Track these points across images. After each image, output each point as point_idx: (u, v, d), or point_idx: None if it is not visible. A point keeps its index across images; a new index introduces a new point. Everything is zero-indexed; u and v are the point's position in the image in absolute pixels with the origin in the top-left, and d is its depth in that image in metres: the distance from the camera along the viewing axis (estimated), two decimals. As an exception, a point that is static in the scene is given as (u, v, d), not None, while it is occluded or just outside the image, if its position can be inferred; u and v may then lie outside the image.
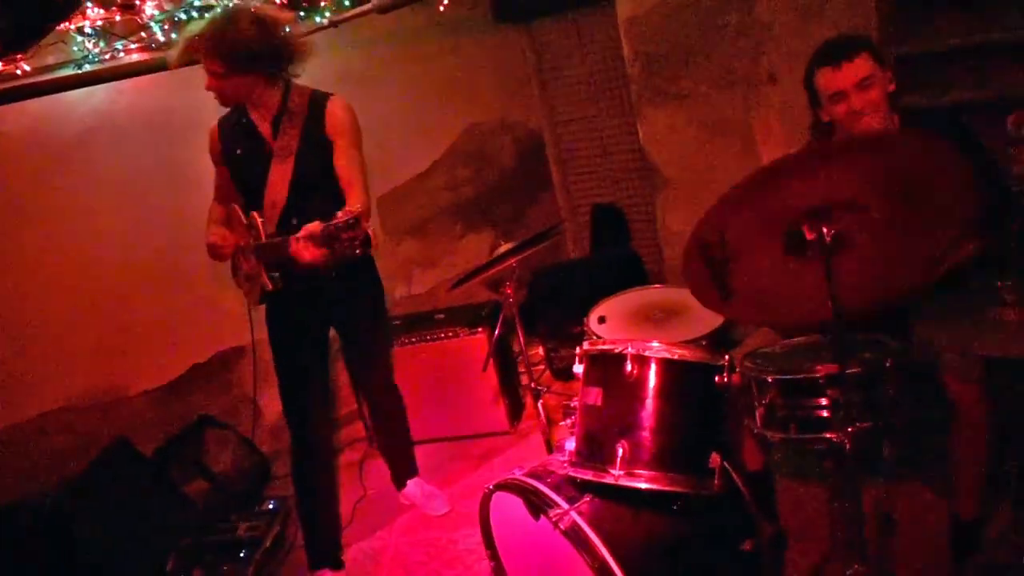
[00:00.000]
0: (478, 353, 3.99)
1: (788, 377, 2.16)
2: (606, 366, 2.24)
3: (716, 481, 2.15)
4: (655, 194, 4.76)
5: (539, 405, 3.08)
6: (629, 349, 2.18)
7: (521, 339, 3.11)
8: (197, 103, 3.85)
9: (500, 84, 5.29)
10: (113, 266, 3.87)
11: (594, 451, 2.19)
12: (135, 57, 3.69)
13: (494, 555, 2.75)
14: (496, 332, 3.35)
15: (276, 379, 3.16)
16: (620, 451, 2.11)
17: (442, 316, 4.22)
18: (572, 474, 2.26)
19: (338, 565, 3.22)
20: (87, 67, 3.56)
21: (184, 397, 4.09)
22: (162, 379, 4.03)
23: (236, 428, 4.14)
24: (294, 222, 2.83)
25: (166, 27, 3.34)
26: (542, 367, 4.70)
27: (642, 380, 2.17)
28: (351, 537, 3.53)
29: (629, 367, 2.17)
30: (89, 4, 3.20)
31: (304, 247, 2.54)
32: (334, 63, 4.33)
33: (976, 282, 2.23)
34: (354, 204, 2.80)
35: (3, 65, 3.22)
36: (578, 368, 2.37)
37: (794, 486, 2.99)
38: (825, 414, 2.11)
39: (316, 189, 2.92)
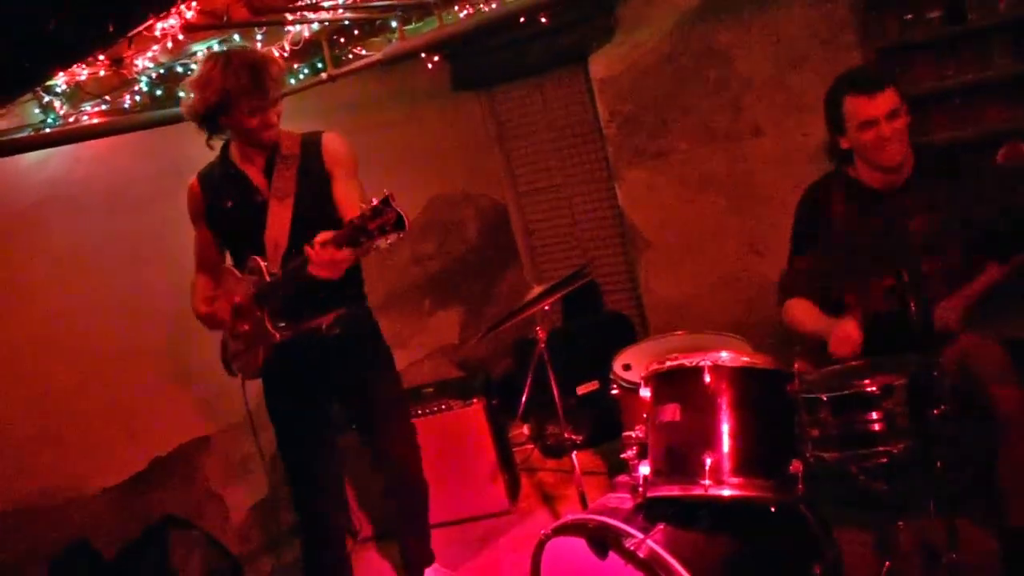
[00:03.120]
0: (474, 426, 4.16)
1: (841, 393, 2.45)
2: (682, 381, 2.49)
3: (800, 486, 2.38)
4: (636, 258, 5.11)
5: (573, 457, 3.27)
6: (705, 361, 2.44)
7: (553, 382, 3.30)
8: (159, 171, 4.07)
9: (462, 154, 5.64)
10: (68, 349, 3.89)
11: (677, 466, 2.41)
12: (96, 120, 3.84)
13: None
14: (528, 381, 3.52)
15: (282, 462, 3.25)
16: (708, 461, 2.34)
17: (431, 389, 4.37)
18: (651, 495, 2.46)
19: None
20: (46, 130, 3.69)
21: (146, 494, 4.08)
22: (122, 474, 4.03)
23: (203, 528, 4.15)
24: (286, 260, 2.98)
25: (155, 80, 3.51)
26: (529, 447, 4.88)
27: (720, 390, 2.42)
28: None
29: (707, 378, 2.43)
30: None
31: (324, 254, 2.62)
32: (297, 128, 4.59)
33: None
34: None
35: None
36: (645, 392, 2.60)
37: (836, 530, 3.24)
38: (878, 428, 2.39)
39: (319, 227, 2.92)
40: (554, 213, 5.79)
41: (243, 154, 3.09)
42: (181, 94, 3.10)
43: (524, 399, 3.61)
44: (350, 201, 3.03)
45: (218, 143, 3.14)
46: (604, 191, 5.41)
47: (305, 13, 3.09)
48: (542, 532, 2.76)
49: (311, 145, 3.12)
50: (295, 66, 4.13)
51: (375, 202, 2.54)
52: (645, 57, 4.73)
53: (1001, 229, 2.89)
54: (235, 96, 2.85)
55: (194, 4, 2.71)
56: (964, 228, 2.90)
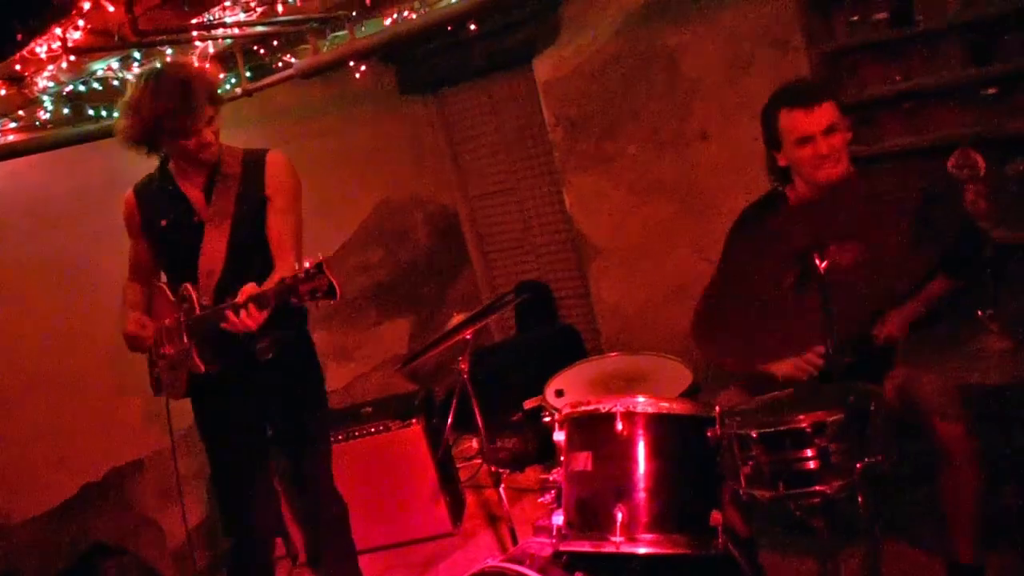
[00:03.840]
0: (413, 447, 4.03)
1: (772, 431, 2.31)
2: (594, 428, 2.34)
3: (719, 539, 2.25)
4: (586, 265, 4.97)
5: (500, 490, 3.15)
6: (617, 407, 2.29)
7: (479, 417, 3.19)
8: (82, 186, 3.91)
9: (410, 158, 5.48)
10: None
11: (589, 519, 2.27)
12: (11, 138, 3.69)
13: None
14: (451, 413, 3.40)
15: (211, 480, 3.19)
16: (619, 516, 2.20)
17: (369, 409, 4.23)
18: (564, 549, 2.32)
19: None
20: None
21: (76, 521, 3.95)
22: (50, 502, 3.89)
23: (137, 554, 4.01)
24: (219, 291, 2.84)
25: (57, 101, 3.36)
26: (478, 462, 4.75)
27: (634, 438, 2.27)
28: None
29: (619, 426, 2.28)
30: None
31: (245, 314, 2.54)
32: (232, 138, 4.41)
33: (956, 317, 2.48)
34: (284, 271, 2.79)
35: None
36: (559, 436, 2.46)
37: (779, 557, 3.12)
38: (812, 465, 2.25)
39: (256, 253, 2.93)
40: (506, 218, 5.65)
41: (182, 171, 2.95)
42: (115, 113, 2.96)
43: (448, 425, 3.47)
44: (283, 238, 2.92)
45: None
46: (556, 195, 5.27)
47: (202, 32, 2.91)
48: (461, 577, 2.63)
49: (253, 165, 2.97)
50: (221, 76, 3.94)
51: (308, 265, 2.45)
52: (591, 59, 4.58)
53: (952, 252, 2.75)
54: (167, 121, 2.71)
55: (80, 25, 2.53)
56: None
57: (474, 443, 4.83)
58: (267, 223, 2.93)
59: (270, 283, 2.71)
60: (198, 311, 2.81)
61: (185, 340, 2.84)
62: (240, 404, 3.04)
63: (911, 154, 3.72)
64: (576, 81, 4.66)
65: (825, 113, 2.68)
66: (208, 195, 2.92)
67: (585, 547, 2.27)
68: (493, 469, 3.15)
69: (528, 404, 4.42)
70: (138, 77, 2.79)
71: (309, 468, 3.24)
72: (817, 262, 2.10)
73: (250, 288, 2.61)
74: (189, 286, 2.85)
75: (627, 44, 4.44)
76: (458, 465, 4.58)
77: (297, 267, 2.49)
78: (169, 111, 2.70)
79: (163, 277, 3.11)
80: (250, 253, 2.92)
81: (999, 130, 3.52)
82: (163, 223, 2.94)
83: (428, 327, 5.42)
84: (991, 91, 3.55)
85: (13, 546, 3.77)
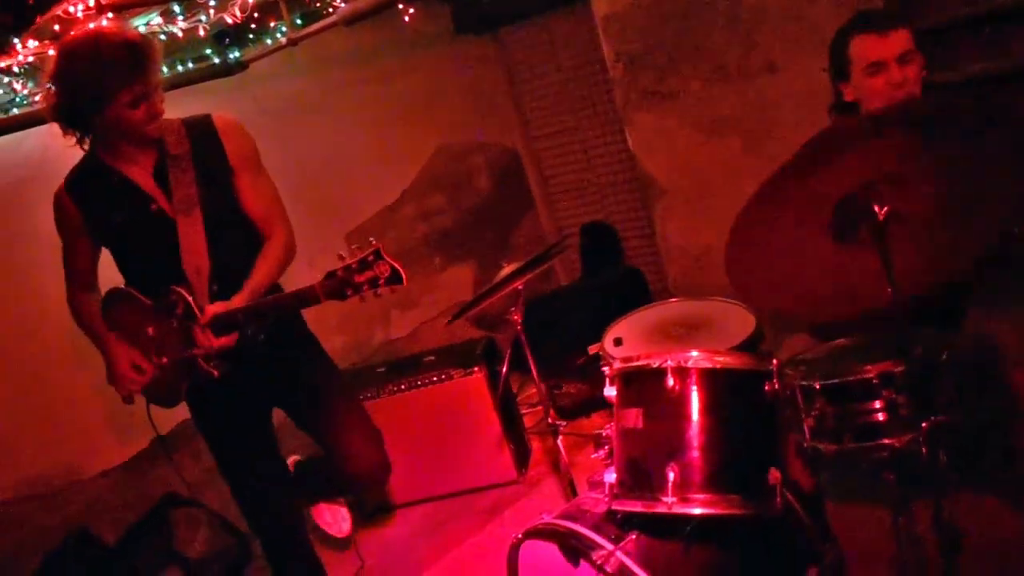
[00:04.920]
0: (476, 395, 4.00)
1: (838, 381, 2.20)
2: (644, 384, 2.24)
3: (777, 499, 2.14)
4: (651, 205, 4.82)
5: (559, 442, 3.08)
6: (668, 362, 2.17)
7: (534, 369, 3.11)
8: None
9: (469, 100, 5.37)
10: (61, 329, 3.79)
11: (640, 479, 2.18)
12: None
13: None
14: (506, 364, 3.34)
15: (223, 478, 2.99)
16: (671, 475, 2.10)
17: (432, 358, 4.20)
18: (616, 508, 2.24)
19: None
20: (15, 111, 3.55)
21: (147, 474, 4.01)
22: (121, 456, 3.96)
23: (208, 505, 4.07)
24: (214, 288, 2.65)
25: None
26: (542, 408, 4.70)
27: (686, 395, 2.16)
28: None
29: (671, 382, 2.17)
30: (16, 41, 3.15)
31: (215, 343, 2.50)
32: (284, 90, 4.36)
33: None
34: (282, 238, 2.75)
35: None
36: (610, 391, 2.37)
37: (848, 508, 3.01)
38: (881, 418, 2.15)
39: (237, 231, 2.73)
40: (569, 159, 5.52)
41: (120, 154, 2.61)
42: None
43: (503, 373, 3.40)
44: (268, 206, 2.74)
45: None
46: (619, 134, 5.12)
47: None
48: (513, 536, 2.57)
49: (203, 136, 2.67)
50: (271, 24, 3.85)
51: (361, 254, 2.36)
52: (650, -11, 4.37)
53: None
54: (112, 86, 2.40)
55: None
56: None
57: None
58: (241, 196, 2.71)
59: (257, 280, 2.64)
60: (200, 315, 2.55)
61: (186, 351, 2.62)
62: (240, 394, 2.82)
63: (992, 80, 3.47)
64: (635, 14, 4.46)
65: (900, 39, 2.53)
66: (162, 182, 2.62)
67: (637, 507, 2.18)
68: (551, 420, 3.07)
69: (592, 349, 4.35)
70: (65, 44, 2.47)
71: (342, 438, 2.97)
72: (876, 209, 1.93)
73: (217, 308, 2.50)
74: (181, 290, 2.58)
75: (688, -28, 4.22)
76: (523, 412, 4.54)
77: (346, 256, 2.37)
78: (115, 75, 2.39)
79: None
80: (231, 234, 2.70)
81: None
82: (116, 218, 2.63)
83: (493, 272, 5.35)
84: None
85: (87, 500, 3.85)
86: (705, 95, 4.38)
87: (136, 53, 2.40)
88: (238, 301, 2.57)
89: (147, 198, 2.61)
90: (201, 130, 2.67)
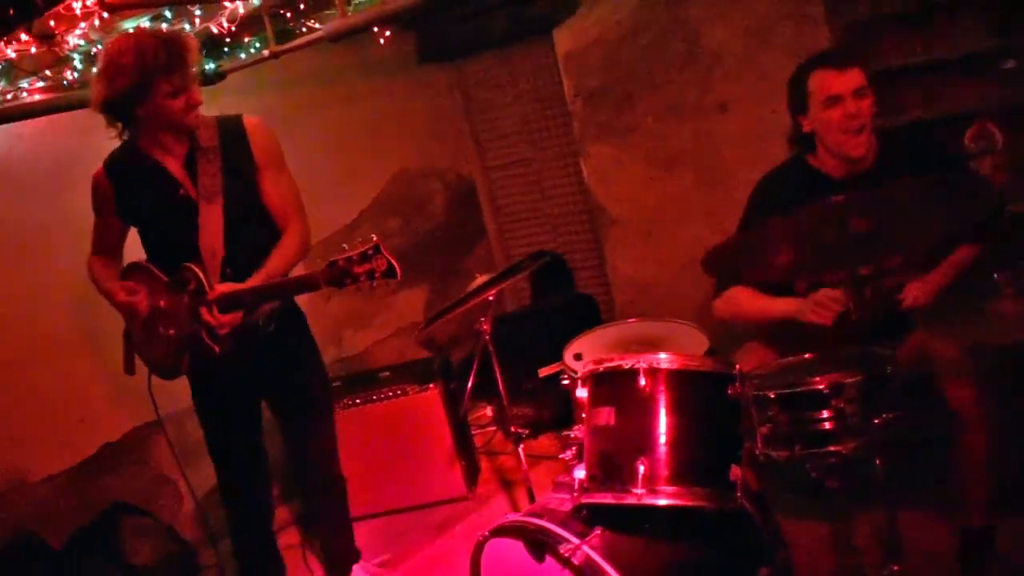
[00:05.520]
0: (430, 412, 4.07)
1: (791, 391, 2.33)
2: (617, 384, 2.35)
3: (738, 494, 2.26)
4: (602, 235, 4.98)
5: (519, 450, 3.17)
6: (641, 363, 2.30)
7: (499, 378, 3.20)
8: (108, 148, 3.91)
9: (429, 127, 5.49)
10: (12, 333, 3.77)
11: (611, 472, 2.28)
12: (37, 97, 3.69)
13: (486, 615, 2.78)
14: (472, 374, 3.41)
15: (209, 456, 3.13)
16: (641, 469, 2.21)
17: (388, 374, 4.27)
18: (586, 501, 2.34)
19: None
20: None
21: (95, 481, 3.96)
22: (69, 461, 3.91)
23: (156, 515, 4.04)
24: (228, 271, 2.84)
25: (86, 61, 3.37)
26: (492, 429, 4.78)
27: (656, 394, 2.28)
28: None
29: (642, 381, 2.29)
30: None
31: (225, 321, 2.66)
32: (254, 105, 4.41)
33: (972, 281, 2.49)
34: (299, 232, 2.96)
35: None
36: (581, 392, 2.47)
37: (793, 519, 3.14)
38: (829, 426, 2.27)
39: (255, 224, 2.93)
40: (523, 188, 5.65)
41: (158, 143, 2.85)
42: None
43: (469, 387, 3.47)
44: (288, 202, 2.96)
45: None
46: (573, 167, 5.27)
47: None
48: (479, 535, 2.65)
49: (232, 133, 2.91)
50: (245, 40, 3.94)
51: (362, 247, 2.55)
52: (612, 30, 4.57)
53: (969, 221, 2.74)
54: (154, 78, 2.62)
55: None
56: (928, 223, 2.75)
57: (488, 411, 4.87)
58: (264, 192, 2.93)
59: (271, 267, 2.83)
60: (209, 292, 2.76)
61: (194, 326, 2.80)
62: (239, 378, 3.02)
63: (930, 126, 3.71)
64: (596, 52, 4.65)
65: (855, 75, 2.73)
66: (191, 170, 2.85)
67: (607, 499, 2.28)
68: (514, 429, 3.16)
69: (544, 372, 4.46)
70: (112, 43, 2.70)
71: (312, 440, 3.25)
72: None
73: (225, 288, 2.69)
74: (195, 268, 2.80)
75: (648, 15, 4.43)
76: (473, 432, 4.61)
77: (348, 248, 2.55)
78: (156, 67, 2.62)
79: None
80: (249, 225, 2.91)
81: (1018, 103, 3.49)
82: (146, 200, 2.87)
83: (443, 296, 5.43)
84: (1010, 64, 3.55)
85: (31, 505, 3.79)
86: (659, 131, 4.57)
87: (174, 49, 2.64)
88: (253, 282, 2.79)
89: (176, 183, 2.84)
90: (231, 127, 2.90)
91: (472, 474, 4.27)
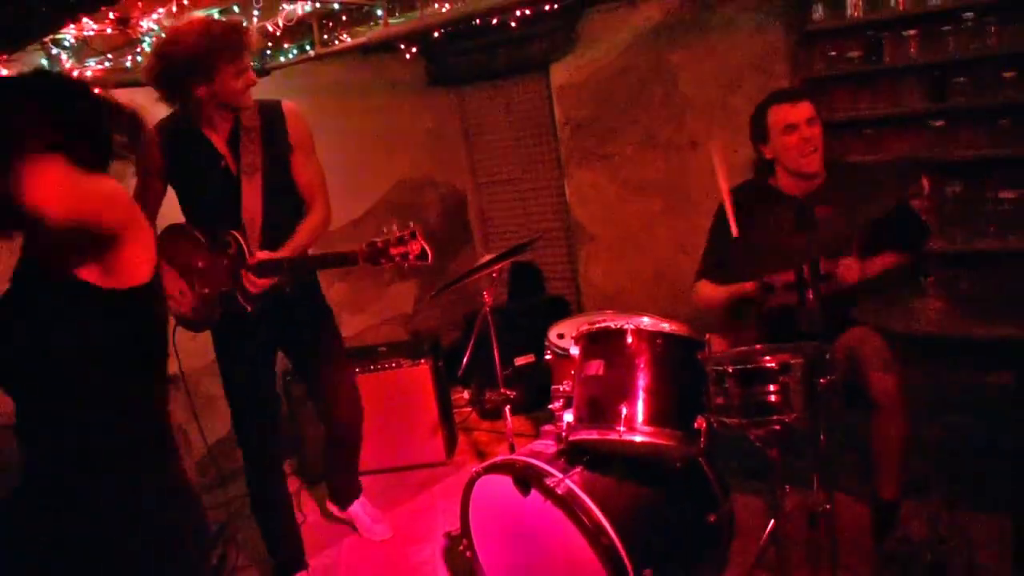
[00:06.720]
0: (420, 384, 4.35)
1: (745, 367, 2.63)
2: (608, 341, 2.69)
3: (702, 440, 2.59)
4: (577, 249, 5.33)
5: (507, 411, 3.45)
6: (629, 325, 2.65)
7: (494, 342, 3.46)
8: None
9: (431, 143, 5.82)
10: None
11: (597, 414, 2.61)
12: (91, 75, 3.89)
13: (469, 545, 3.05)
14: (472, 340, 3.70)
15: (228, 402, 3.26)
16: (623, 411, 2.54)
17: (384, 349, 4.54)
18: (573, 439, 2.65)
19: (306, 567, 3.43)
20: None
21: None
22: None
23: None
24: (264, 238, 3.02)
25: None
26: (467, 409, 5.08)
27: (640, 351, 2.62)
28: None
29: (629, 340, 2.64)
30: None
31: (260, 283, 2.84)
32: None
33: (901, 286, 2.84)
34: (322, 211, 3.16)
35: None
36: (574, 350, 2.80)
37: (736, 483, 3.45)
38: (775, 399, 2.52)
39: (288, 198, 3.11)
40: (508, 204, 5.98)
41: (206, 120, 2.97)
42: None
43: (467, 358, 3.75)
44: (315, 184, 3.14)
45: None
46: (554, 188, 5.61)
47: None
48: (473, 470, 2.93)
49: (272, 115, 3.07)
50: (285, 45, 4.25)
51: (399, 232, 2.76)
52: (602, 70, 4.94)
53: (896, 227, 3.08)
54: (223, 55, 2.78)
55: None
56: (864, 229, 3.07)
57: (465, 394, 5.16)
58: (295, 171, 3.10)
59: (298, 240, 3.03)
60: (249, 257, 2.94)
61: (231, 285, 2.96)
62: (261, 332, 3.18)
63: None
64: (586, 88, 5.02)
65: (806, 107, 3.12)
66: (233, 147, 3.00)
67: (593, 435, 2.60)
68: (503, 391, 3.42)
69: (519, 361, 4.79)
70: (177, 25, 2.85)
71: (341, 376, 3.45)
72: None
73: (264, 255, 2.88)
74: (237, 234, 2.95)
75: (634, 59, 4.81)
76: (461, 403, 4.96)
77: (385, 231, 2.76)
78: (226, 45, 2.77)
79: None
80: (283, 199, 3.09)
81: (943, 157, 3.92)
82: (191, 165, 2.99)
83: (429, 292, 5.73)
84: (939, 123, 3.95)
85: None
86: (636, 159, 4.94)
87: (239, 35, 2.84)
88: (282, 253, 2.98)
89: (218, 156, 3.00)
90: (271, 111, 3.07)
91: (451, 444, 4.54)
